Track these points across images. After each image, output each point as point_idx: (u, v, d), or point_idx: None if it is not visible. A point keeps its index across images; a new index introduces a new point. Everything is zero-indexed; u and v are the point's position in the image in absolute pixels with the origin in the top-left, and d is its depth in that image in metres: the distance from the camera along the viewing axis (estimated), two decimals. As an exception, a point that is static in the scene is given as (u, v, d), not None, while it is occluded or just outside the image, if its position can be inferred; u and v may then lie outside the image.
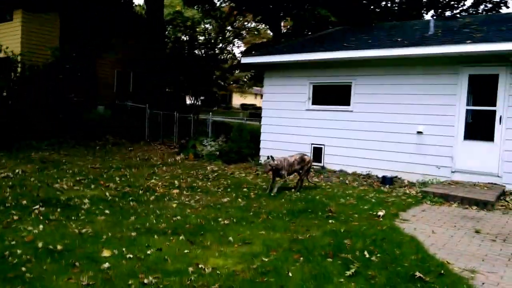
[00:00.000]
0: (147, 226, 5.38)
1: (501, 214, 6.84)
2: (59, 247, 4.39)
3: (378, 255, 4.54)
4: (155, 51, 20.22)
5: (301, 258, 4.41)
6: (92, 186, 7.75)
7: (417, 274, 3.98)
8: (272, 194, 7.66)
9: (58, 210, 5.94)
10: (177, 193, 7.57)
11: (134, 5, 24.37)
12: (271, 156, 7.75)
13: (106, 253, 4.31)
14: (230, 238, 5.02)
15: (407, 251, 4.71)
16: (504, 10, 21.46)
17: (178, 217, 5.86)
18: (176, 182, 8.57)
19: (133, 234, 5.02)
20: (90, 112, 16.44)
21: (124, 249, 4.44)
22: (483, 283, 3.97)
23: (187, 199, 7.16)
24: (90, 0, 17.73)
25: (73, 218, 5.61)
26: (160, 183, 8.38)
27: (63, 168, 9.46)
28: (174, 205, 6.64)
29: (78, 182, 8.06)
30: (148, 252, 4.40)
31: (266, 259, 4.35)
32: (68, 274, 3.78)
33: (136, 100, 19.16)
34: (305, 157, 8.30)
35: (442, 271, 4.11)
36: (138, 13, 25.08)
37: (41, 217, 5.55)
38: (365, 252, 4.56)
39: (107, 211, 6.01)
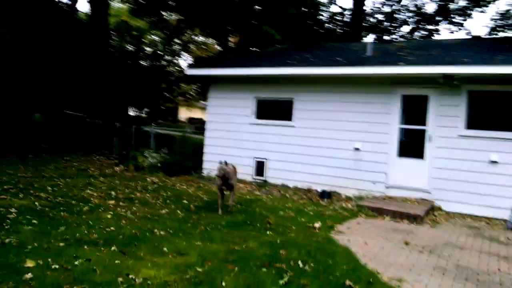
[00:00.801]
0: (77, 236, 5.14)
1: (429, 227, 7.23)
2: (-23, 258, 4.09)
3: (312, 264, 4.62)
4: (97, 59, 19.66)
5: (236, 268, 4.39)
6: (21, 196, 7.30)
7: (348, 282, 4.10)
8: (220, 213, 7.08)
9: (-20, 220, 5.54)
10: (113, 204, 7.31)
11: (77, 12, 23.61)
12: (224, 161, 7.17)
13: (30, 263, 4.05)
14: (165, 249, 4.91)
15: (340, 261, 4.83)
16: (436, 37, 23.09)
17: (112, 228, 5.66)
18: (113, 193, 8.28)
19: (61, 244, 4.77)
20: (25, 120, 15.56)
21: (50, 259, 4.20)
22: (408, 291, 4.15)
23: (123, 210, 6.93)
24: (28, 7, 16.97)
25: (-4, 228, 5.25)
26: (95, 194, 8.06)
27: (-11, 176, 8.86)
28: (109, 216, 6.40)
29: (5, 191, 7.55)
30: (76, 262, 4.19)
31: (201, 269, 4.29)
32: (-15, 286, 3.52)
33: (75, 108, 18.42)
34: (235, 166, 7.88)
35: (371, 280, 4.26)
36: (82, 21, 24.31)
37: (-40, 227, 5.15)
38: (299, 262, 4.64)
39: (35, 221, 5.68)
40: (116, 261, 4.35)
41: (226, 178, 7.09)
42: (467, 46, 11.00)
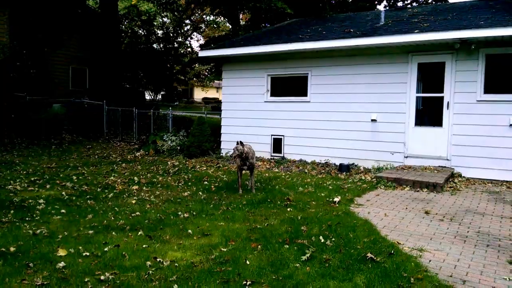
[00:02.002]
0: (105, 223, 5.33)
1: (450, 195, 7.21)
2: (12, 249, 4.29)
3: (333, 239, 4.71)
4: (111, 46, 19.78)
5: (259, 246, 4.51)
6: (48, 186, 7.57)
7: (369, 255, 4.17)
8: (241, 193, 7.16)
9: (12, 212, 5.78)
10: (137, 189, 7.52)
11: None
12: (240, 142, 7.12)
13: (61, 252, 4.25)
14: (190, 231, 5.06)
15: (360, 234, 4.90)
16: (451, 0, 22.34)
17: (137, 213, 5.84)
18: (135, 178, 8.49)
19: (90, 232, 4.97)
20: (44, 111, 15.91)
21: (80, 247, 4.40)
22: (430, 260, 4.20)
23: (147, 194, 7.13)
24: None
25: (27, 219, 5.49)
26: (119, 180, 8.28)
27: (16, 169, 9.16)
28: (134, 202, 6.60)
29: (32, 182, 7.84)
30: (106, 249, 4.38)
31: (225, 249, 4.43)
32: (21, 276, 3.72)
33: (93, 97, 18.70)
34: (250, 146, 7.59)
35: (392, 251, 4.32)
36: (91, 8, 24.38)
37: (-7, 220, 5.39)
38: (321, 237, 4.72)
39: (63, 211, 5.91)
40: (144, 246, 4.52)
41: (245, 157, 7.11)
42: (482, 8, 10.66)
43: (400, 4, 22.27)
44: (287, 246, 4.53)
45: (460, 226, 5.40)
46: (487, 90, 8.50)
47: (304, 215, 5.70)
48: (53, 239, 4.69)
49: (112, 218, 5.61)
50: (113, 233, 4.97)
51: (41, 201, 6.40)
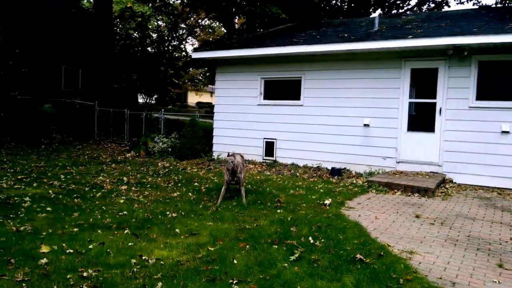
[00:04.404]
0: (91, 221, 5.23)
1: (441, 200, 7.19)
2: (-7, 245, 4.19)
3: (322, 240, 4.65)
4: (104, 47, 19.67)
5: (247, 246, 4.44)
6: (35, 184, 7.44)
7: (358, 256, 4.11)
8: (218, 204, 6.37)
9: (-4, 209, 5.66)
10: (126, 189, 7.41)
11: (81, 0, 23.56)
12: (233, 153, 6.55)
13: (44, 249, 4.15)
14: (177, 230, 4.98)
15: (350, 236, 4.85)
16: (446, 8, 22.54)
17: (125, 212, 5.75)
18: (125, 178, 8.38)
19: (75, 229, 4.87)
20: (35, 111, 15.73)
21: (64, 244, 4.30)
22: (419, 263, 4.15)
23: (135, 194, 7.02)
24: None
25: (11, 216, 5.37)
26: (108, 180, 8.17)
27: (3, 167, 9.01)
28: (122, 201, 6.49)
29: (19, 180, 7.70)
30: (90, 246, 4.28)
31: (212, 249, 4.35)
32: (2, 271, 3.61)
33: (86, 97, 18.55)
34: (242, 155, 7.19)
35: (382, 253, 4.27)
36: (85, 8, 24.28)
37: (-24, 216, 5.27)
38: (310, 238, 4.66)
39: (49, 209, 5.79)
40: (129, 244, 4.43)
41: (235, 171, 6.43)
42: (476, 16, 10.73)
43: (394, 11, 22.43)
44: (276, 246, 4.46)
45: (450, 230, 5.37)
46: (479, 97, 8.52)
47: (294, 217, 5.64)
48: (37, 236, 4.58)
49: (99, 216, 5.51)
50: (99, 231, 4.87)
51: (27, 199, 6.28)
